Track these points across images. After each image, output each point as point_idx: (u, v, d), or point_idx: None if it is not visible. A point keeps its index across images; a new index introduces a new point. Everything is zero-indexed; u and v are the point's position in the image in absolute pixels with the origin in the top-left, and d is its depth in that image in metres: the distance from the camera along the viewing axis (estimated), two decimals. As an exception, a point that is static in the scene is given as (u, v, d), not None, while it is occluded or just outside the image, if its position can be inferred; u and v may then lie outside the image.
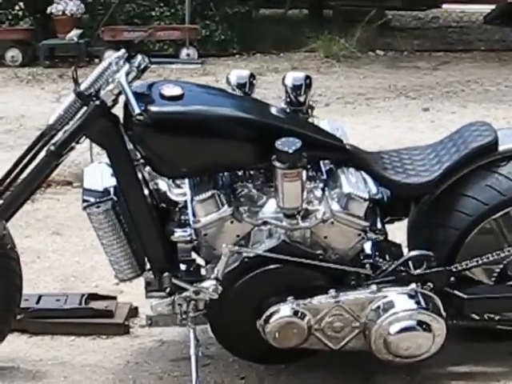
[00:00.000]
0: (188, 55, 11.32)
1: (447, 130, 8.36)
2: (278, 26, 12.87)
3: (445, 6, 14.32)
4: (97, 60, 11.12)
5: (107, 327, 4.43)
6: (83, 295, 4.52)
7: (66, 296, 4.55)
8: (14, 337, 4.31)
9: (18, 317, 4.21)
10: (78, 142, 3.79)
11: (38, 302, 4.48)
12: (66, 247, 5.37)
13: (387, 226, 4.09)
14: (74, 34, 11.42)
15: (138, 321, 4.47)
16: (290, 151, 3.61)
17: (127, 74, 3.67)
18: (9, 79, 10.90)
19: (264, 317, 3.76)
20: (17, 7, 12.38)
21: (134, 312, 4.52)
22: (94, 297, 4.54)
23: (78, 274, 5.02)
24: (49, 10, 11.60)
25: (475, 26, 13.95)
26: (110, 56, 3.81)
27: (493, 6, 14.14)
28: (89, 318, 4.44)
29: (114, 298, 4.54)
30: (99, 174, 3.92)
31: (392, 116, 8.99)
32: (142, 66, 3.85)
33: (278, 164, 3.64)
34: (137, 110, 3.47)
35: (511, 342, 4.14)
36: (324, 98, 9.54)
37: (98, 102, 3.68)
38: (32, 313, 4.42)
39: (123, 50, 3.85)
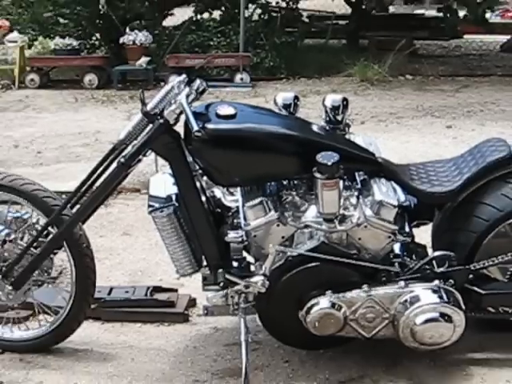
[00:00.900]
0: (241, 79, 11.34)
1: (468, 145, 8.28)
2: (319, 54, 12.88)
3: (466, 36, 14.28)
4: (162, 83, 11.18)
5: (169, 316, 4.44)
6: (148, 288, 4.55)
7: (134, 288, 4.58)
8: (88, 324, 4.34)
9: (92, 306, 4.24)
10: (144, 155, 3.82)
11: (109, 294, 4.51)
12: (134, 246, 5.41)
13: (414, 230, 4.06)
14: (142, 60, 11.50)
15: (196, 310, 4.47)
16: (329, 164, 3.61)
17: (187, 96, 3.70)
18: (86, 100, 11.01)
19: (305, 308, 3.76)
20: (94, 38, 12.46)
21: (192, 303, 4.53)
22: (157, 289, 4.56)
23: (145, 269, 5.05)
24: (121, 40, 11.69)
25: (493, 53, 13.85)
26: (173, 80, 3.84)
27: (508, 37, 14.04)
28: (153, 307, 4.46)
29: (176, 290, 4.55)
30: (163, 182, 3.94)
31: (419, 133, 8.94)
32: (201, 89, 3.88)
33: (318, 175, 3.64)
34: (195, 128, 3.49)
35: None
36: (360, 117, 9.50)
37: (162, 121, 3.71)
38: (104, 303, 4.44)
39: (184, 75, 3.88)
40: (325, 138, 3.92)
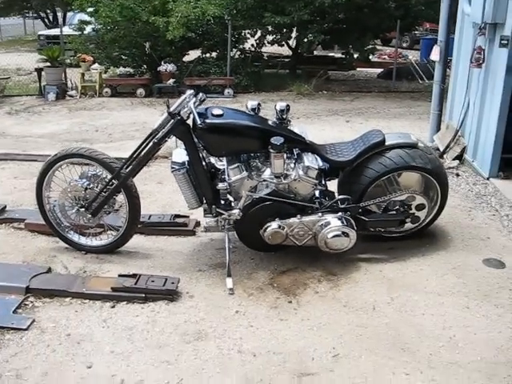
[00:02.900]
0: (228, 92, 11.05)
1: (358, 132, 8.09)
2: (273, 78, 12.56)
3: (358, 68, 14.00)
4: (182, 94, 10.87)
5: (184, 231, 4.29)
6: (172, 215, 4.39)
7: (163, 215, 4.42)
8: (137, 236, 4.19)
9: (139, 226, 4.11)
10: (169, 138, 3.66)
11: (149, 218, 4.35)
12: (163, 190, 5.22)
13: (328, 183, 3.93)
14: (171, 81, 11.19)
15: (200, 228, 4.31)
16: (278, 143, 3.50)
17: (194, 103, 3.55)
18: (138, 104, 10.68)
19: (263, 228, 3.66)
20: (142, 67, 12.11)
21: (198, 224, 4.37)
22: (177, 216, 4.40)
23: (170, 204, 4.87)
24: (159, 68, 11.36)
25: (373, 79, 13.60)
26: (187, 93, 3.66)
27: (382, 69, 13.84)
28: (175, 226, 4.31)
29: (188, 216, 4.39)
30: (180, 153, 3.76)
31: (330, 124, 8.76)
32: (202, 99, 3.70)
33: (271, 150, 3.54)
34: (198, 122, 3.38)
35: (390, 242, 4.00)
36: (296, 115, 9.31)
37: (179, 117, 3.56)
38: (146, 224, 4.29)
39: (192, 91, 3.72)
40: (276, 128, 3.74)
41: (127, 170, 3.76)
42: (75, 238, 4.04)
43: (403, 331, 3.05)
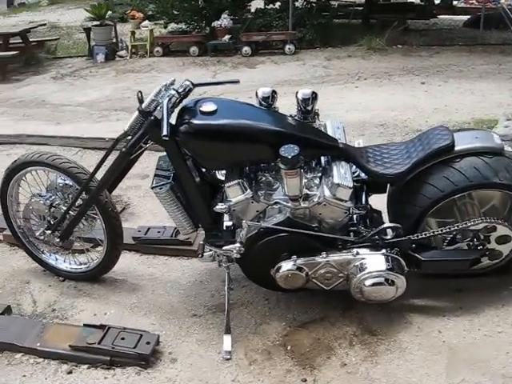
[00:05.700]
0: (289, 49, 9.82)
1: (435, 97, 6.85)
2: (343, 30, 11.08)
3: (440, 16, 12.20)
4: (239, 51, 9.82)
5: (187, 252, 3.34)
6: (175, 228, 3.39)
7: (164, 229, 3.45)
8: (131, 255, 3.38)
9: (134, 243, 3.23)
10: (145, 143, 2.64)
11: (146, 233, 3.43)
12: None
13: (376, 196, 2.84)
14: (226, 37, 10.13)
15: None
16: (289, 157, 2.39)
17: (170, 98, 2.48)
18: (189, 64, 9.74)
19: (275, 268, 2.63)
20: (198, 23, 10.94)
21: (208, 239, 3.38)
22: (182, 230, 3.42)
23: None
24: (213, 24, 10.33)
25: (457, 28, 11.75)
26: (162, 83, 2.63)
27: (468, 16, 11.94)
28: (176, 244, 3.36)
29: (195, 230, 3.39)
30: (167, 161, 2.74)
31: (402, 87, 7.43)
32: (187, 89, 2.65)
33: (281, 166, 2.43)
34: (164, 133, 2.32)
35: (458, 281, 2.85)
36: (363, 75, 8.07)
37: (152, 118, 2.51)
38: (142, 240, 3.38)
39: (172, 79, 2.71)
40: (292, 129, 2.64)
41: (99, 182, 2.82)
42: (51, 260, 3.21)
43: None
